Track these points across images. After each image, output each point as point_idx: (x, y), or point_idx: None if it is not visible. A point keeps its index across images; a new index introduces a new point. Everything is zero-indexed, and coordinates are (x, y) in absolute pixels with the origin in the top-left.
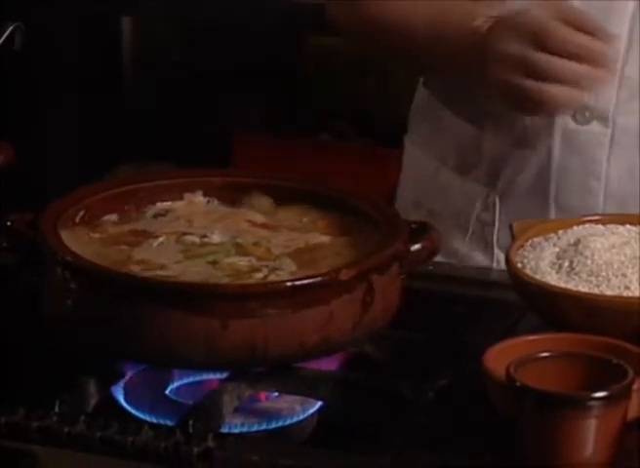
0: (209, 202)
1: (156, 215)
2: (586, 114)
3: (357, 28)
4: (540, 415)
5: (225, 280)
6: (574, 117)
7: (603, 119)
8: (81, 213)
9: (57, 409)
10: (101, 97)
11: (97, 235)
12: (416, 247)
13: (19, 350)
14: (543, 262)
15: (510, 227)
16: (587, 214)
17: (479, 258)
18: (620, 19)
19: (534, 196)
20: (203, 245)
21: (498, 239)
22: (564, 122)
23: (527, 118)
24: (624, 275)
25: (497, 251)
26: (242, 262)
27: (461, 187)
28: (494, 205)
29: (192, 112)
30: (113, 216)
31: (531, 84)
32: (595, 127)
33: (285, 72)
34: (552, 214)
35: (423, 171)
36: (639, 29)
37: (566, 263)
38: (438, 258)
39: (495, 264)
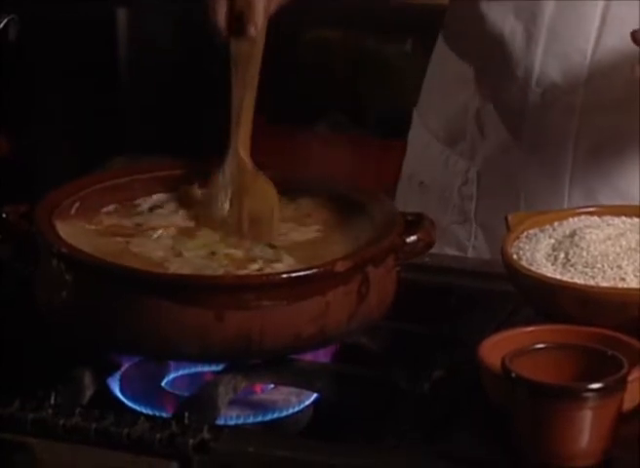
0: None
1: (152, 208)
2: (555, 93)
3: None
4: (536, 406)
5: (221, 271)
6: (543, 96)
7: (571, 100)
8: (77, 204)
9: (52, 401)
10: (97, 88)
11: (92, 227)
12: (411, 238)
13: (14, 342)
14: (539, 254)
15: (506, 219)
16: (554, 199)
17: (459, 232)
18: None
19: (505, 174)
20: (198, 236)
21: (476, 214)
22: (534, 100)
23: (501, 93)
24: (620, 267)
25: (474, 226)
26: (239, 253)
27: (447, 160)
28: (473, 179)
29: (188, 104)
30: (109, 208)
31: None
32: (563, 108)
33: (282, 63)
34: (521, 196)
35: (419, 144)
36: None
37: (561, 255)
38: None
39: (473, 238)
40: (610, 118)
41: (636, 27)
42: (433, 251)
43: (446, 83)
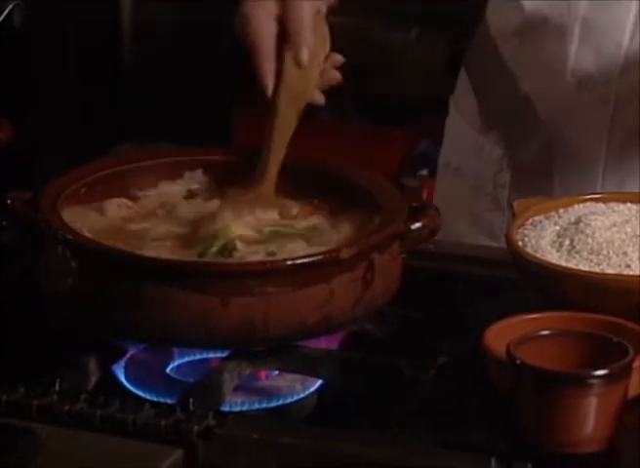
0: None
1: (159, 194)
2: (590, 84)
3: None
4: (541, 393)
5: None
6: (578, 87)
7: (606, 91)
8: (81, 191)
9: (57, 388)
10: (102, 75)
11: (97, 213)
12: (416, 225)
13: (19, 328)
14: (544, 241)
15: (511, 206)
16: (588, 187)
17: (492, 220)
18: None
19: (540, 163)
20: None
21: (509, 202)
22: (568, 91)
23: (535, 83)
24: (625, 253)
25: (507, 213)
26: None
27: (482, 149)
28: (507, 168)
29: (193, 92)
30: (114, 194)
31: None
32: (598, 98)
33: None
34: (556, 184)
35: (454, 131)
36: None
37: (567, 242)
38: (456, 218)
39: (505, 226)
40: None
41: None
42: (465, 238)
43: (484, 71)
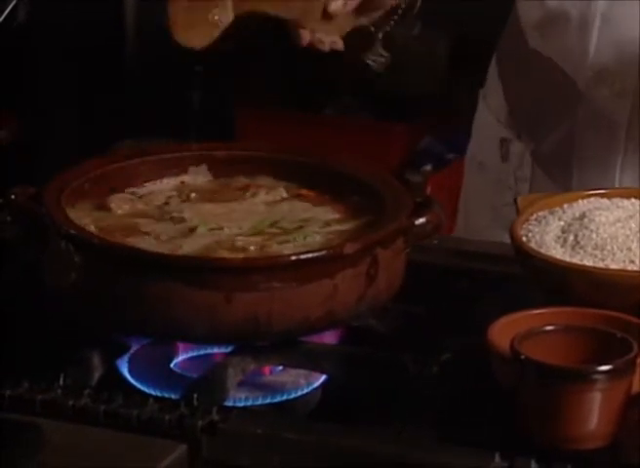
0: (215, 177)
1: (162, 190)
2: (609, 81)
3: None
4: (545, 389)
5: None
6: (597, 83)
7: (625, 87)
8: (85, 186)
9: (61, 383)
10: (105, 71)
11: (101, 208)
12: (420, 221)
13: (23, 323)
14: (548, 236)
15: (515, 201)
16: (606, 184)
17: (512, 215)
18: None
19: (559, 159)
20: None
21: None
22: (587, 87)
23: (555, 80)
24: (629, 249)
25: None
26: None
27: (506, 142)
28: (527, 162)
29: (195, 88)
30: (118, 190)
31: None
32: (616, 95)
33: (290, 48)
34: (574, 179)
35: (481, 125)
36: None
37: (571, 237)
38: (478, 211)
39: None
40: None
41: None
42: (485, 232)
43: (509, 66)
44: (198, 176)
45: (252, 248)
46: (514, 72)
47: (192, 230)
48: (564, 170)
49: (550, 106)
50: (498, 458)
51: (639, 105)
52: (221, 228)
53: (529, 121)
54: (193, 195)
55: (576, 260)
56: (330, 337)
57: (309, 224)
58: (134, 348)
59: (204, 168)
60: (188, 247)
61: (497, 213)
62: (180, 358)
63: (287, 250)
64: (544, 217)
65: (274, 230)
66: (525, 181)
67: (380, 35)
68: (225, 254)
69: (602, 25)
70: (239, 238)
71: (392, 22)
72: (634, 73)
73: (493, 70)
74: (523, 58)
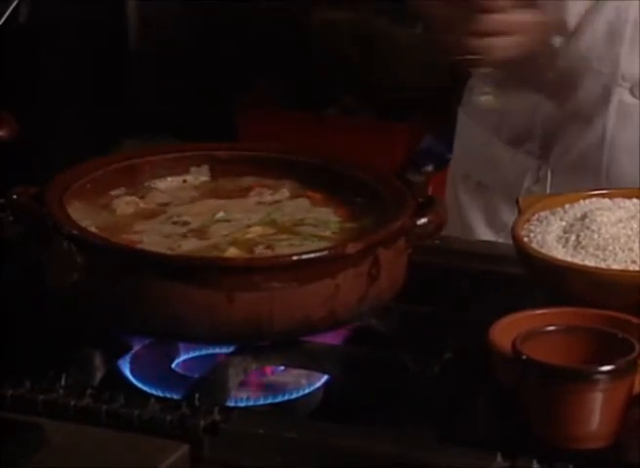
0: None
1: (164, 189)
2: None
3: None
4: (546, 389)
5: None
6: (631, 91)
7: None
8: (87, 186)
9: (63, 383)
10: (106, 71)
11: (103, 209)
12: (422, 221)
13: (25, 323)
14: (550, 236)
15: (517, 201)
16: None
17: None
18: None
19: (586, 170)
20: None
21: None
22: (620, 96)
23: (583, 91)
24: (631, 249)
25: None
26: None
27: (513, 159)
28: (545, 178)
29: (197, 88)
30: (120, 190)
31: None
32: None
33: (292, 47)
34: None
35: (475, 142)
36: None
37: (572, 237)
38: (485, 232)
39: None
40: None
41: None
42: None
43: (507, 84)
44: (200, 177)
45: (253, 248)
46: (516, 87)
47: (193, 230)
48: (587, 185)
49: (573, 118)
50: (499, 458)
51: None
52: (223, 228)
53: (544, 135)
54: (195, 195)
55: (577, 261)
56: (331, 337)
57: (311, 224)
58: (135, 348)
59: (206, 168)
60: (189, 246)
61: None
62: (182, 358)
63: (288, 249)
64: (546, 218)
65: (276, 230)
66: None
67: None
68: (227, 254)
69: (632, 33)
70: (241, 238)
71: None
72: None
73: (476, 86)
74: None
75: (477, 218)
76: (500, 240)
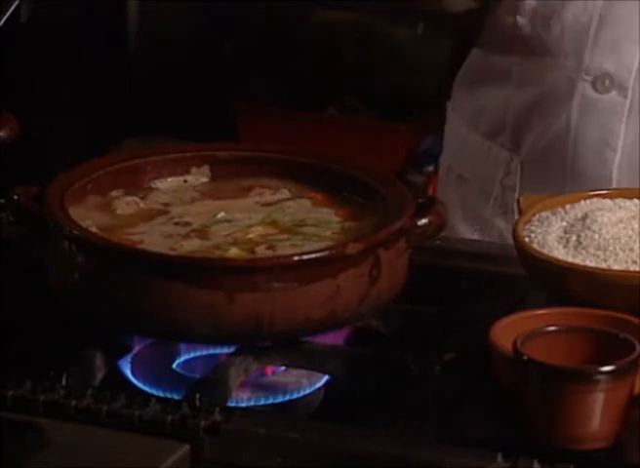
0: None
1: (165, 190)
2: (606, 82)
3: None
4: (547, 389)
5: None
6: (593, 85)
7: (622, 89)
8: (88, 186)
9: (63, 383)
10: (106, 71)
11: (103, 209)
12: (423, 221)
13: (25, 323)
14: (551, 237)
15: (517, 202)
16: (601, 184)
17: (501, 224)
18: None
19: (552, 164)
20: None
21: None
22: (583, 90)
23: (548, 84)
24: (632, 249)
25: (517, 216)
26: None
27: (488, 152)
28: (516, 170)
29: (197, 87)
30: (120, 190)
31: None
32: (614, 96)
33: (292, 46)
34: (568, 183)
35: (457, 136)
36: None
37: (573, 238)
38: (460, 226)
39: None
40: None
41: None
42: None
43: (485, 78)
44: (201, 177)
45: (254, 248)
46: (489, 88)
47: (194, 230)
48: (556, 177)
49: (540, 110)
50: (500, 459)
51: (637, 107)
52: (224, 228)
53: (515, 128)
54: (195, 195)
55: (578, 261)
56: (332, 338)
57: (312, 225)
58: (136, 348)
59: (206, 168)
60: (190, 247)
61: (485, 224)
62: (183, 358)
63: (290, 250)
64: (547, 218)
65: (277, 230)
66: (512, 190)
67: None
68: (229, 255)
69: (598, 28)
70: (242, 238)
71: None
72: (633, 73)
73: (462, 83)
74: (499, 73)
75: (455, 212)
76: (475, 235)
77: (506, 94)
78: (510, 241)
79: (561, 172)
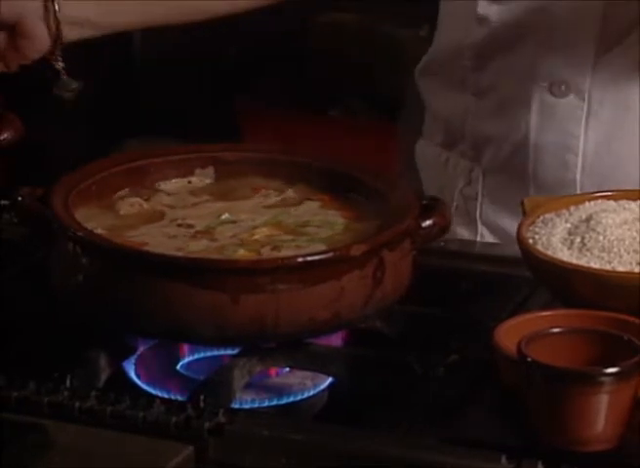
0: (222, 179)
1: (169, 191)
2: (562, 87)
3: None
4: (551, 391)
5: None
6: (550, 90)
7: (579, 91)
8: (92, 188)
9: (68, 384)
10: (110, 72)
11: (108, 210)
12: (427, 223)
13: (29, 324)
14: (555, 238)
15: (522, 203)
16: (565, 189)
17: (463, 233)
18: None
19: (514, 171)
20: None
21: (481, 214)
22: (541, 95)
23: (504, 91)
24: (636, 251)
25: (480, 226)
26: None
27: (447, 162)
28: (477, 179)
29: (201, 89)
30: (125, 191)
31: None
32: (572, 100)
33: (295, 48)
34: (531, 190)
35: (412, 147)
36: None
37: (578, 239)
38: None
39: (479, 238)
40: (620, 105)
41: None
42: None
43: (441, 87)
44: (205, 178)
45: (259, 249)
46: (444, 98)
47: (199, 232)
48: (518, 185)
49: (499, 118)
50: (504, 460)
51: (595, 109)
52: (228, 229)
53: (474, 137)
54: (200, 196)
55: (582, 262)
56: (336, 339)
57: (317, 226)
58: (140, 350)
59: (211, 170)
60: (195, 248)
61: (448, 234)
62: (187, 359)
63: (295, 251)
64: (551, 220)
65: (282, 231)
66: (474, 200)
67: (61, 65)
68: (235, 256)
69: (548, 31)
70: (247, 239)
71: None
72: (588, 77)
73: (413, 95)
74: (455, 83)
75: None
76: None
77: (464, 102)
78: None
79: (523, 178)
